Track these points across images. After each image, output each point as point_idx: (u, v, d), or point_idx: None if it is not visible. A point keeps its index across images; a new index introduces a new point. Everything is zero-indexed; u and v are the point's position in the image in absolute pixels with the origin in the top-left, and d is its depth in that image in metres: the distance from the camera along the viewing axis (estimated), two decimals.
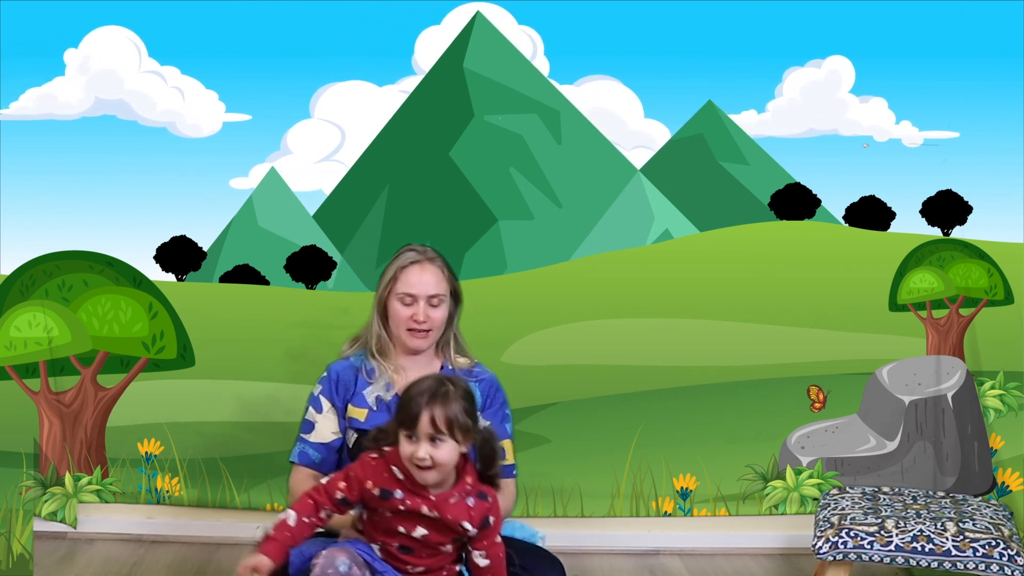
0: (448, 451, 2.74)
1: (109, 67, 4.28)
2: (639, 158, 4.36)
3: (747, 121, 4.33)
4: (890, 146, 4.32)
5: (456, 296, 3.41)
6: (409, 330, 3.30)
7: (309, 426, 3.32)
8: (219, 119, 4.31)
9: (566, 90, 4.34)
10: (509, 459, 3.23)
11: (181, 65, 4.29)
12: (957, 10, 4.26)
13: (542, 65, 4.34)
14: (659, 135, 4.35)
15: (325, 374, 3.36)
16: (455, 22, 4.34)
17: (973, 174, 4.31)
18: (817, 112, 4.32)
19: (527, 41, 4.33)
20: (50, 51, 4.27)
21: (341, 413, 3.32)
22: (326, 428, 3.32)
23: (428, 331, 3.31)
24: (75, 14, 4.27)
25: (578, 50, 4.32)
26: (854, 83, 4.32)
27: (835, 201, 4.33)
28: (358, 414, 3.32)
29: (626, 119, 4.36)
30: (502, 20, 4.34)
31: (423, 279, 3.31)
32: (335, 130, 4.37)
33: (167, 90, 4.29)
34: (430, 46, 4.33)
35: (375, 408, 3.28)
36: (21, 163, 4.29)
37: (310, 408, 3.34)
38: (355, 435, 3.35)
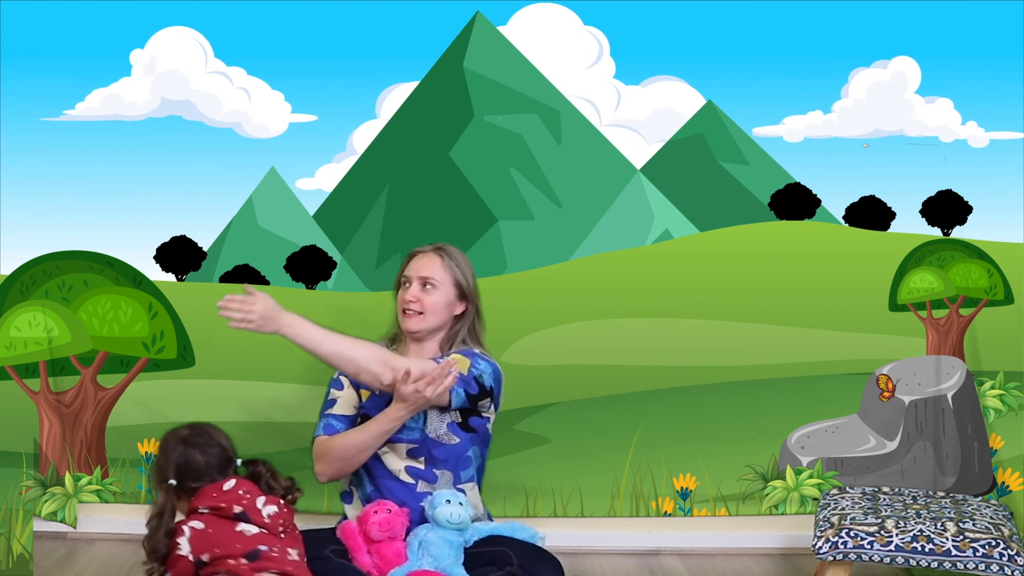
0: None
1: (175, 68, 4.29)
2: None
3: (813, 121, 4.32)
4: (956, 147, 4.31)
5: (465, 294, 3.47)
6: (402, 311, 3.44)
7: (331, 403, 3.49)
8: (285, 120, 4.32)
9: (632, 91, 4.34)
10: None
11: (247, 66, 4.30)
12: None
13: (608, 66, 4.33)
14: None
15: None
16: (520, 22, 4.33)
17: (973, 174, 4.31)
18: (883, 113, 4.31)
19: (593, 42, 4.32)
20: (116, 52, 4.28)
21: (358, 391, 3.45)
22: (348, 401, 3.46)
23: (420, 313, 3.42)
24: (141, 15, 4.28)
25: (644, 51, 4.31)
26: (920, 84, 4.32)
27: (835, 201, 4.33)
28: (362, 394, 3.42)
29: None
30: (568, 21, 4.33)
31: (419, 263, 3.47)
32: None
33: (233, 91, 4.30)
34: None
35: (376, 392, 3.38)
36: (86, 163, 4.30)
37: (331, 389, 3.50)
38: (359, 418, 3.44)
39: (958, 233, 4.32)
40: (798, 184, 4.33)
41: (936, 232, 4.32)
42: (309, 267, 4.32)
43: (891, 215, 4.32)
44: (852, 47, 4.30)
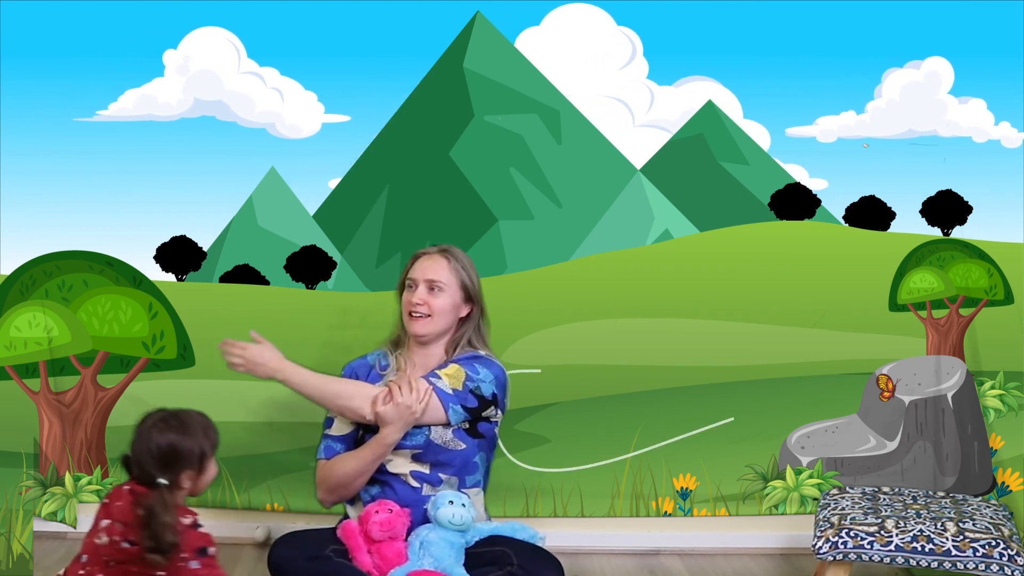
0: None
1: (208, 68, 4.29)
2: None
3: (846, 122, 4.31)
4: (989, 147, 4.30)
5: (470, 296, 3.46)
6: (408, 314, 3.42)
7: (330, 422, 3.48)
8: (318, 120, 4.32)
9: (665, 91, 4.33)
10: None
11: (280, 66, 4.31)
12: None
13: (641, 66, 4.33)
14: (759, 136, 4.34)
15: (342, 374, 3.50)
16: (553, 23, 4.33)
17: (973, 174, 4.31)
18: (916, 113, 4.31)
19: (626, 43, 4.32)
20: (149, 52, 4.29)
21: None
22: (345, 421, 3.45)
23: (426, 316, 3.40)
24: (174, 15, 4.28)
25: (677, 51, 4.32)
26: (953, 84, 4.31)
27: (835, 201, 4.33)
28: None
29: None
30: (601, 22, 4.33)
31: (425, 265, 3.44)
32: None
33: (266, 91, 4.30)
34: (529, 47, 4.32)
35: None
36: (120, 163, 4.31)
37: None
38: (360, 431, 3.42)
39: (958, 233, 4.32)
40: (798, 184, 4.33)
41: (936, 232, 4.32)
42: (309, 267, 4.32)
43: (891, 215, 4.32)
44: (885, 47, 4.30)
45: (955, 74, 4.31)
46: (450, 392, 3.31)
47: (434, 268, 3.43)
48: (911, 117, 4.32)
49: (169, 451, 2.83)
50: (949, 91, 4.32)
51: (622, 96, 4.35)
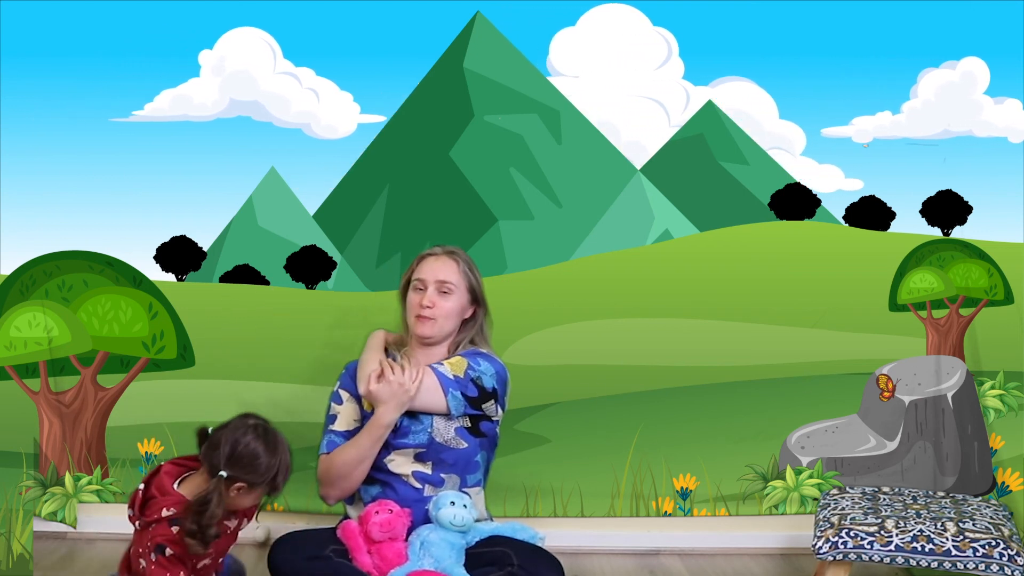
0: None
1: (244, 68, 4.30)
2: (775, 159, 4.34)
3: (882, 122, 4.31)
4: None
5: (476, 298, 3.47)
6: (417, 316, 3.41)
7: (332, 418, 3.48)
8: (354, 120, 4.32)
9: (700, 91, 4.33)
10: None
11: (316, 66, 4.31)
12: None
13: (676, 66, 4.33)
14: (795, 137, 4.33)
15: (344, 371, 3.50)
16: (589, 23, 4.32)
17: (973, 174, 4.31)
18: (952, 113, 4.30)
19: (661, 43, 4.31)
20: (185, 52, 4.29)
21: (360, 402, 3.45)
22: (348, 416, 3.47)
23: (433, 319, 3.40)
24: (210, 15, 4.28)
25: (713, 51, 4.31)
26: (989, 84, 4.31)
27: (837, 201, 4.33)
28: (365, 405, 3.40)
29: (761, 120, 4.35)
30: (637, 22, 4.32)
31: (434, 267, 3.43)
32: None
33: (302, 91, 4.30)
34: (565, 48, 4.32)
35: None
36: (156, 162, 4.31)
37: (332, 403, 3.51)
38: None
39: (958, 233, 4.32)
40: (798, 184, 4.33)
41: (936, 232, 4.32)
42: (309, 267, 4.32)
43: (891, 215, 4.32)
44: (921, 47, 4.30)
45: (991, 74, 4.31)
46: (451, 378, 3.31)
47: (444, 270, 3.43)
48: (947, 117, 4.31)
49: (248, 456, 2.92)
50: (985, 91, 4.32)
51: (657, 96, 4.35)
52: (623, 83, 4.34)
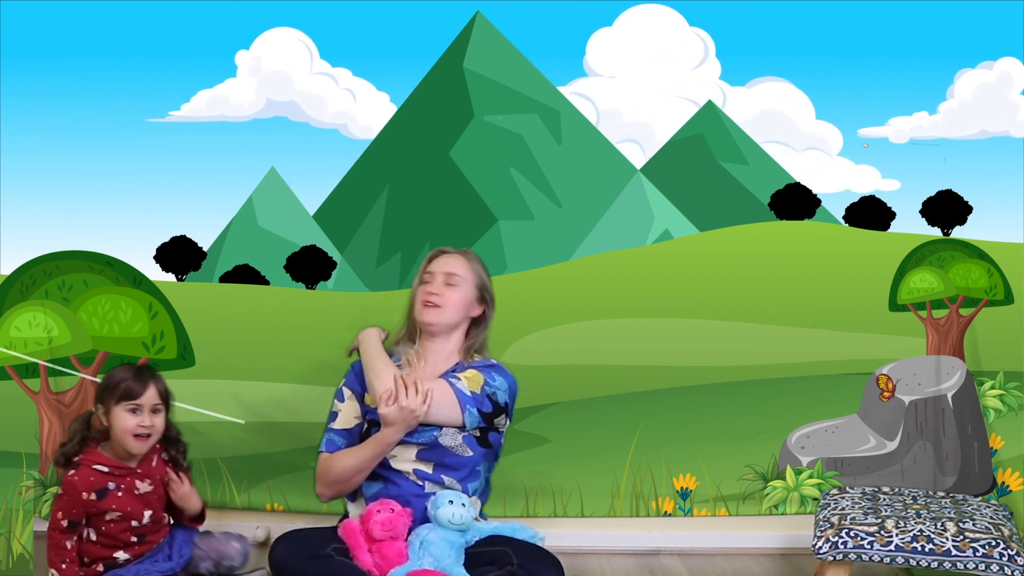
0: (162, 421, 3.34)
1: (280, 69, 4.30)
2: (812, 160, 4.33)
3: (919, 122, 4.30)
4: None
5: (484, 297, 3.49)
6: (423, 303, 3.43)
7: (333, 416, 3.49)
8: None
9: (737, 92, 4.33)
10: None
11: (352, 67, 4.31)
12: None
13: (713, 67, 4.32)
14: (831, 137, 4.32)
15: (350, 369, 3.51)
16: (626, 23, 4.32)
17: (973, 174, 4.30)
18: (988, 114, 4.29)
19: (698, 43, 4.31)
20: (222, 53, 4.29)
21: (361, 400, 3.47)
22: (349, 414, 3.49)
23: (438, 307, 3.42)
24: (246, 16, 4.28)
25: (749, 51, 4.31)
26: None
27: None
28: (369, 400, 3.41)
29: (797, 121, 4.34)
30: (673, 22, 4.32)
31: (444, 260, 3.49)
32: None
33: (339, 92, 4.30)
34: (602, 48, 4.32)
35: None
36: (191, 162, 4.31)
37: (335, 400, 3.53)
38: (366, 424, 3.44)
39: (958, 233, 4.32)
40: (798, 184, 4.33)
41: (936, 232, 4.32)
42: (309, 267, 4.32)
43: (891, 215, 4.32)
44: (957, 48, 4.29)
45: None
46: (468, 394, 3.33)
47: (453, 263, 3.49)
48: (983, 118, 4.31)
49: (105, 379, 3.36)
50: (1022, 92, 4.31)
51: (694, 97, 4.35)
52: (660, 83, 4.34)
